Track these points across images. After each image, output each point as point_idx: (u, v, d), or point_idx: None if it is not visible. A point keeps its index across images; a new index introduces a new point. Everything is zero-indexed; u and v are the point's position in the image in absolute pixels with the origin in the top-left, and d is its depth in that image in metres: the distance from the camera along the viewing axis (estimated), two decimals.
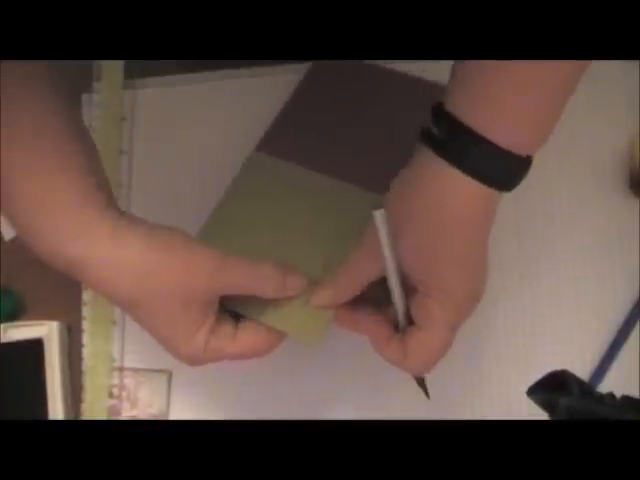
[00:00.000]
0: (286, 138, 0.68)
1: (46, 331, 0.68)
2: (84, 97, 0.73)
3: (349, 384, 0.66)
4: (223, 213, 0.64)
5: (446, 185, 0.50)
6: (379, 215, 0.51)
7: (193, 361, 0.56)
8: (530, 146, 0.51)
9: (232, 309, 0.57)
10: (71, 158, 0.52)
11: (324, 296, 0.57)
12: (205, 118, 0.72)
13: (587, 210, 0.67)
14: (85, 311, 0.69)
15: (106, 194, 0.54)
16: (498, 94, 0.49)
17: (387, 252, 0.53)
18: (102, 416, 0.68)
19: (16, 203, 0.52)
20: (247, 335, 0.56)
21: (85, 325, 0.69)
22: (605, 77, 0.66)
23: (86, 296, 0.69)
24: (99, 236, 0.52)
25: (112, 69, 0.73)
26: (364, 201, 0.59)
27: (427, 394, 0.60)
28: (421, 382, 0.59)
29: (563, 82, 0.50)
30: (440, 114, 0.50)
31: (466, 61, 0.50)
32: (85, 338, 0.69)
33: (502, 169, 0.50)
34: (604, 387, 0.63)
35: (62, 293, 0.70)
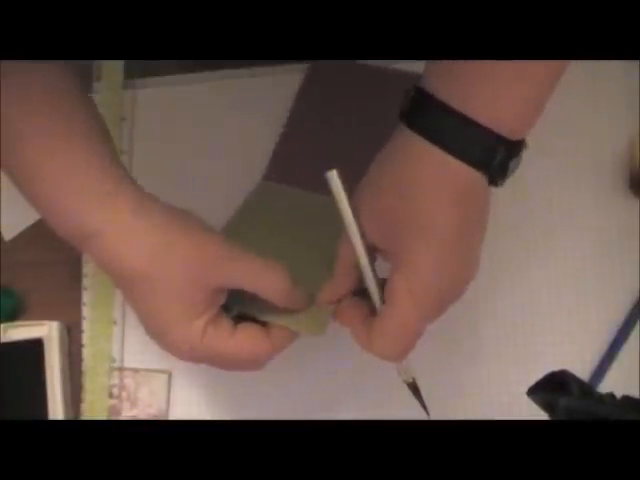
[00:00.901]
0: (291, 163, 0.68)
1: (46, 331, 0.68)
2: None
3: (349, 384, 0.66)
4: (229, 236, 0.64)
5: (414, 155, 0.50)
6: (332, 176, 0.50)
7: (186, 350, 0.55)
8: (511, 127, 0.49)
9: (234, 308, 0.57)
10: (87, 136, 0.54)
11: (324, 292, 0.56)
12: (205, 118, 0.72)
13: (587, 210, 0.67)
14: (85, 311, 0.69)
15: (122, 168, 0.55)
16: (474, 69, 0.48)
17: (347, 215, 0.51)
18: (102, 416, 0.68)
19: (35, 183, 0.53)
20: (246, 334, 0.55)
21: (85, 325, 0.69)
22: (605, 77, 0.66)
23: (86, 296, 0.69)
24: (120, 206, 0.53)
25: (112, 69, 0.73)
26: None
27: (425, 408, 0.57)
28: (417, 394, 0.57)
29: (546, 66, 0.48)
30: (417, 92, 0.50)
31: None
32: (85, 338, 0.69)
33: (477, 145, 0.49)
34: (604, 387, 0.63)
35: (62, 293, 0.70)
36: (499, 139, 0.49)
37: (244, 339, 0.55)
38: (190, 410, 0.67)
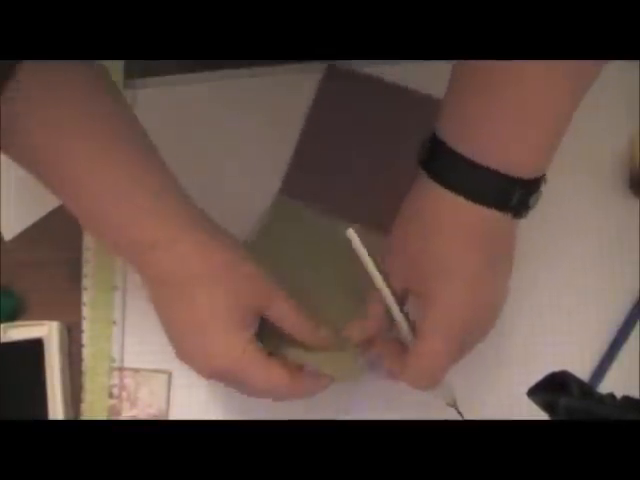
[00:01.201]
0: (306, 179, 0.69)
1: (46, 331, 0.68)
2: None
3: (349, 384, 0.66)
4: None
5: (432, 200, 0.52)
6: (352, 234, 0.53)
7: (219, 365, 0.56)
8: (525, 169, 0.51)
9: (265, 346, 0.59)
10: (144, 152, 0.57)
11: (356, 331, 0.58)
12: (205, 118, 0.72)
13: (587, 210, 0.67)
14: (85, 311, 0.69)
15: (177, 185, 0.57)
16: (485, 116, 0.50)
17: (370, 269, 0.55)
18: (102, 416, 0.68)
19: (84, 198, 0.55)
20: (279, 365, 0.57)
21: (85, 325, 0.69)
22: (605, 77, 0.66)
23: (86, 296, 0.69)
24: (180, 222, 0.55)
25: (112, 69, 0.73)
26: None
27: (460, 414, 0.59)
28: (459, 413, 0.59)
29: (556, 112, 0.50)
30: (431, 140, 0.52)
31: (457, 88, 0.51)
32: (85, 338, 0.69)
33: (491, 188, 0.50)
34: (604, 387, 0.63)
35: (62, 293, 0.70)
36: (514, 180, 0.50)
37: (277, 368, 0.57)
38: (190, 410, 0.67)
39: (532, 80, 0.48)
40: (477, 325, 0.55)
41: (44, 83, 0.52)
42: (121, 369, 0.68)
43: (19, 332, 0.68)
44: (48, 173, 0.55)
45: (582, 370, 0.64)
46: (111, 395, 0.68)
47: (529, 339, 0.65)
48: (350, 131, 0.69)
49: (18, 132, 0.52)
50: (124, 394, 0.68)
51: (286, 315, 0.58)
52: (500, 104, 0.49)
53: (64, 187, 0.55)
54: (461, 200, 0.51)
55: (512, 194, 0.50)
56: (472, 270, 0.52)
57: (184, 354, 0.58)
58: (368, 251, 0.55)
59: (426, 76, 0.65)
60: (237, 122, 0.71)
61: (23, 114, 0.52)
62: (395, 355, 0.57)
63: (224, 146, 0.71)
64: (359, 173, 0.68)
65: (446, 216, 0.52)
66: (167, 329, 0.58)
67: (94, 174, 0.54)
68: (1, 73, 0.49)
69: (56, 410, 0.67)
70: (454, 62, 0.52)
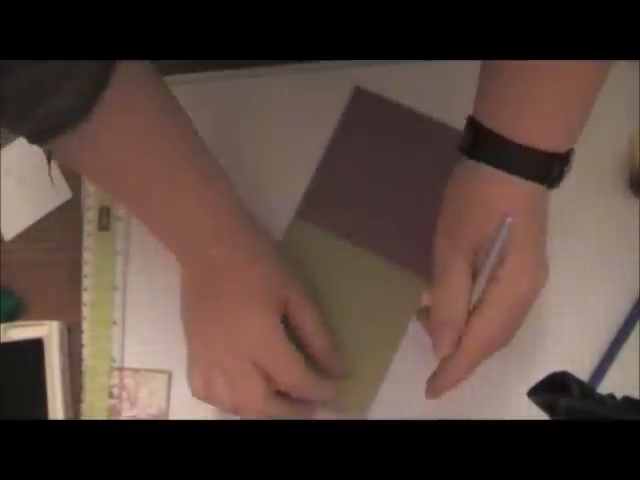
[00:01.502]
0: (324, 204, 0.69)
1: (46, 331, 0.68)
2: None
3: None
4: None
5: (492, 183, 0.55)
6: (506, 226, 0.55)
7: (253, 338, 0.59)
8: (560, 144, 0.54)
9: None
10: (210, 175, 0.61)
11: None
12: (205, 118, 0.72)
13: (587, 210, 0.66)
14: (85, 311, 0.69)
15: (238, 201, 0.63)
16: (520, 99, 0.53)
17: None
18: (102, 416, 0.68)
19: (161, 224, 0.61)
20: (299, 355, 0.61)
21: (85, 325, 0.69)
22: None
23: (86, 296, 0.69)
24: (239, 240, 0.61)
25: None
26: (401, 280, 0.66)
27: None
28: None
29: (581, 93, 0.54)
30: (472, 125, 0.56)
31: (488, 71, 0.55)
32: (85, 338, 0.69)
33: (533, 164, 0.54)
34: (604, 387, 0.63)
35: (62, 293, 0.70)
36: (553, 156, 0.54)
37: (298, 355, 0.60)
38: (190, 410, 0.67)
39: (564, 71, 0.52)
40: (531, 293, 0.57)
41: None
42: (121, 369, 0.68)
43: (19, 332, 0.68)
44: (91, 159, 0.57)
45: (582, 370, 0.64)
46: (111, 395, 0.68)
47: (529, 339, 0.65)
48: (371, 158, 0.69)
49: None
50: (124, 394, 0.68)
51: (303, 307, 0.62)
52: (536, 93, 0.53)
53: (111, 172, 0.58)
54: (512, 178, 0.54)
55: (553, 167, 0.55)
56: (530, 240, 0.56)
57: (205, 340, 0.61)
58: None
59: (453, 108, 0.65)
60: (237, 122, 0.71)
61: None
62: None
63: (224, 146, 0.71)
64: (377, 201, 0.68)
65: (502, 194, 0.55)
66: (196, 314, 0.62)
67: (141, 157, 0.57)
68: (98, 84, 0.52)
69: (56, 410, 0.67)
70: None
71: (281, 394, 0.61)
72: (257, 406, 0.60)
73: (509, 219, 0.54)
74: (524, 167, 0.54)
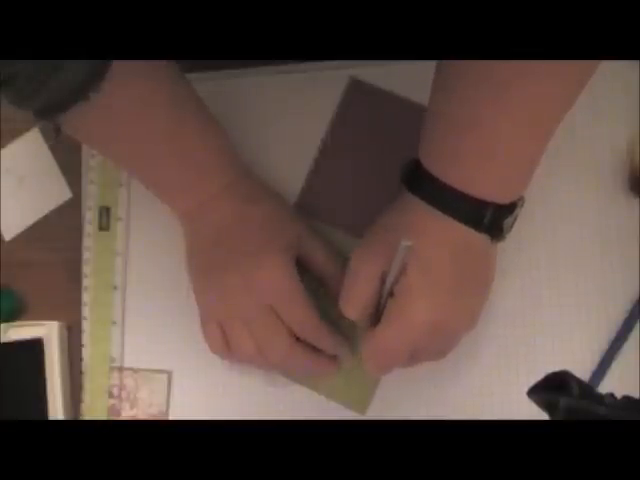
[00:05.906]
0: (321, 198, 0.69)
1: (46, 331, 0.68)
2: None
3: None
4: None
5: (416, 212, 0.57)
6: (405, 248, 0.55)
7: (271, 275, 0.60)
8: (495, 195, 0.55)
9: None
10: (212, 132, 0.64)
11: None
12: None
13: (587, 210, 0.67)
14: (85, 311, 0.69)
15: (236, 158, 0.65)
16: (451, 147, 0.55)
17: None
18: (102, 416, 0.68)
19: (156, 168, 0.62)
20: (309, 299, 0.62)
21: (85, 325, 0.69)
22: (605, 77, 0.66)
23: (86, 296, 0.70)
24: (237, 195, 0.63)
25: None
26: None
27: None
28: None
29: (523, 149, 0.55)
30: (413, 161, 0.58)
31: (429, 116, 0.56)
32: (85, 338, 0.69)
33: (463, 206, 0.55)
34: (604, 387, 0.63)
35: (62, 293, 0.70)
36: (485, 203, 0.55)
37: (311, 300, 0.62)
38: (190, 410, 0.67)
39: (490, 125, 0.53)
40: (442, 331, 0.57)
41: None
42: (121, 369, 0.68)
43: (19, 332, 0.68)
44: (100, 126, 0.59)
45: (582, 370, 0.64)
46: (111, 395, 0.68)
47: (529, 339, 0.65)
48: (369, 149, 0.69)
49: None
50: (124, 394, 0.68)
51: (313, 237, 0.64)
52: (465, 143, 0.54)
53: (117, 137, 0.60)
54: (446, 217, 0.55)
55: (484, 215, 0.55)
56: (447, 279, 0.56)
57: (223, 291, 0.62)
58: None
59: None
60: (237, 122, 0.71)
61: None
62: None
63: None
64: (375, 192, 0.68)
65: (435, 227, 0.56)
66: (208, 268, 0.63)
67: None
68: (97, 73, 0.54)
69: (56, 410, 0.67)
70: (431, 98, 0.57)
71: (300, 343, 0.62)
72: (282, 350, 0.61)
73: (407, 242, 0.54)
74: (457, 209, 0.55)
